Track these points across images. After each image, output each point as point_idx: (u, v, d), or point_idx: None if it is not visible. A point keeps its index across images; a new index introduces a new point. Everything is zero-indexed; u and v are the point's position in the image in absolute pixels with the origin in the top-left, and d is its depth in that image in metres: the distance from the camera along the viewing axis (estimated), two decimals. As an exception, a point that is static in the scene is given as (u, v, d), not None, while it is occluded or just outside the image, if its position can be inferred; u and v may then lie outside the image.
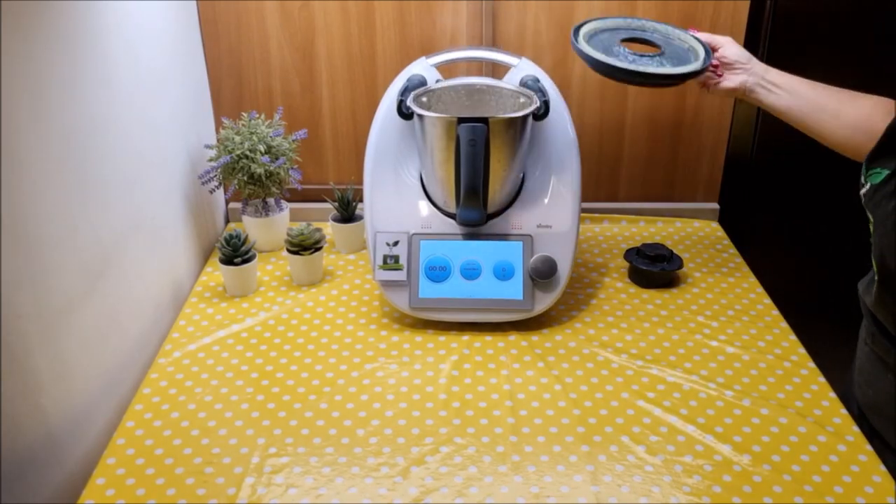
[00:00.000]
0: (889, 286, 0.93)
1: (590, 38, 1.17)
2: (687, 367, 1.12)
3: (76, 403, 0.96)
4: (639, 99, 1.48)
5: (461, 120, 1.10)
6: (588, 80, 1.47)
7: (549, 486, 0.92)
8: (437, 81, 1.24)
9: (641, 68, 1.10)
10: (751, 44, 1.44)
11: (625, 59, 1.12)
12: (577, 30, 1.17)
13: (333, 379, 1.10)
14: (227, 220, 1.57)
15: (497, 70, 1.40)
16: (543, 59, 1.43)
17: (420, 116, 1.15)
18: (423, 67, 1.26)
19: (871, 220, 0.95)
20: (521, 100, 1.20)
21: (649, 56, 1.13)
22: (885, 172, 0.92)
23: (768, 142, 1.56)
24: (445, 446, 0.98)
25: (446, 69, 1.30)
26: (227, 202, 1.54)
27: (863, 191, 0.95)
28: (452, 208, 1.19)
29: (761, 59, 1.14)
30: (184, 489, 0.91)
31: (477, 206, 1.14)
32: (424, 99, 1.19)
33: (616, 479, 0.92)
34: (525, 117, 1.15)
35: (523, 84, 1.23)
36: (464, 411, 1.04)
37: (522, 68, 1.26)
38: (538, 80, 1.23)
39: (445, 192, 1.20)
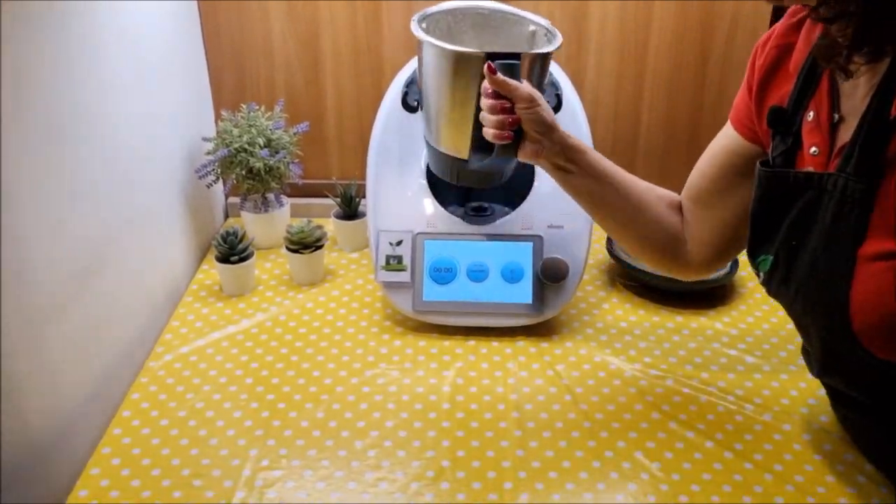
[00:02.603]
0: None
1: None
2: (704, 377, 1.06)
3: (61, 410, 0.91)
4: (656, 94, 1.42)
5: (490, 56, 0.90)
6: (602, 74, 1.41)
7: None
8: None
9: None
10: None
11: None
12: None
13: (332, 386, 1.05)
14: (227, 216, 1.51)
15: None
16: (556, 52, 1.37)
17: (435, 48, 0.96)
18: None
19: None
20: (531, 28, 1.05)
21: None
22: (770, 258, 0.82)
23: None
24: (447, 460, 0.92)
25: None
26: (226, 197, 1.49)
27: (760, 281, 0.86)
28: (465, 154, 1.03)
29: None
30: (170, 503, 0.86)
31: (513, 154, 0.94)
32: (424, 25, 1.02)
33: (628, 497, 0.87)
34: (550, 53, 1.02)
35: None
36: (468, 423, 0.98)
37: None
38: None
39: (458, 139, 1.02)
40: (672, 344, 1.13)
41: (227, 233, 1.23)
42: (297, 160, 1.35)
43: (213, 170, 1.29)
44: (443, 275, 1.15)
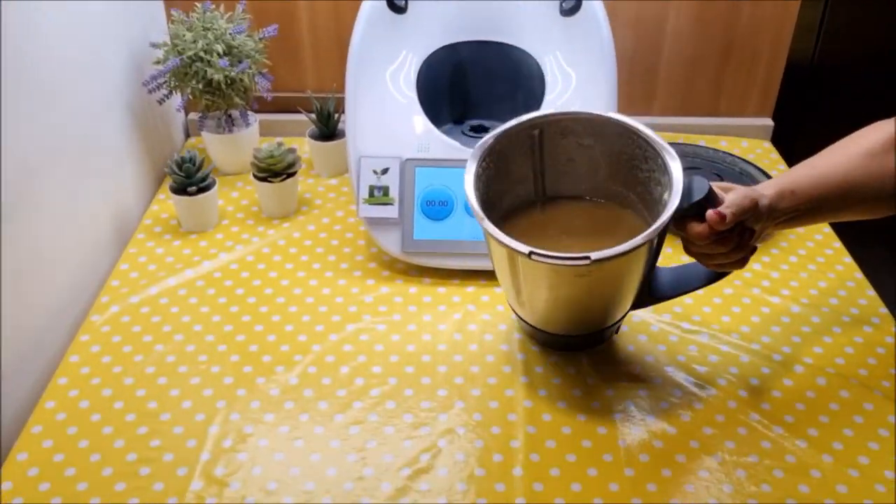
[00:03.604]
0: None
1: None
2: (745, 331, 0.91)
3: (-25, 384, 0.76)
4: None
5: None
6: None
7: (578, 497, 0.72)
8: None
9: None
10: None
11: None
12: None
13: (307, 344, 0.89)
14: (188, 135, 1.32)
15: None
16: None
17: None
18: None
19: None
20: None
21: None
22: None
23: (833, 47, 1.30)
24: (444, 439, 0.77)
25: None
26: (185, 112, 1.29)
27: None
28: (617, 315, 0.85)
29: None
30: (110, 497, 0.71)
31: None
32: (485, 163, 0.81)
33: (665, 486, 0.73)
34: None
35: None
36: (468, 390, 0.83)
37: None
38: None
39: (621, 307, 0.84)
40: (705, 290, 0.96)
41: (183, 158, 1.04)
42: (264, 70, 1.15)
43: (165, 82, 1.10)
44: (437, 209, 0.97)
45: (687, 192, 0.73)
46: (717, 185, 0.75)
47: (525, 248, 0.71)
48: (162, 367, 0.86)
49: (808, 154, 0.79)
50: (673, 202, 0.72)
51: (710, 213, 0.71)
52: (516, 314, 0.88)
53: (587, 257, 0.69)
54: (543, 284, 0.78)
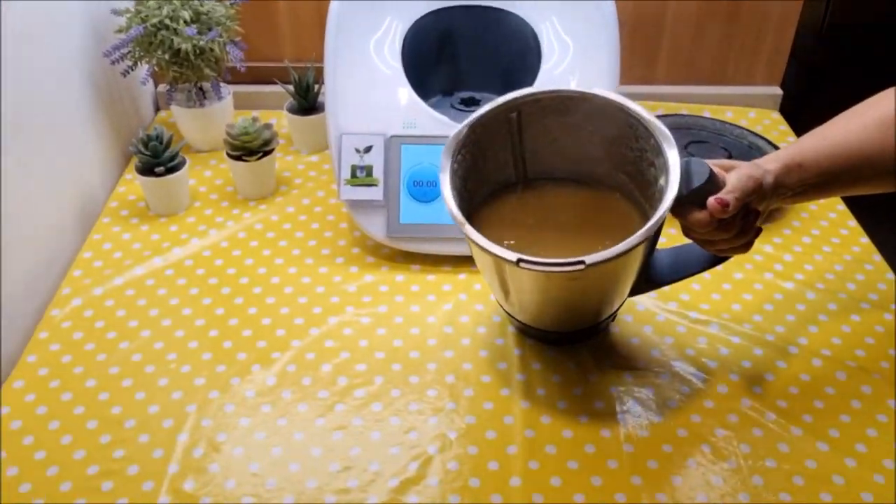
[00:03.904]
0: None
1: None
2: (757, 321, 0.84)
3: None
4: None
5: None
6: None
7: (581, 511, 0.66)
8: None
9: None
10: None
11: None
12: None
13: (286, 339, 0.82)
14: (158, 108, 1.23)
15: None
16: None
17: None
18: None
19: None
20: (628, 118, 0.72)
21: None
22: None
23: (844, 11, 1.22)
24: (435, 445, 0.71)
25: None
26: (154, 84, 1.21)
27: None
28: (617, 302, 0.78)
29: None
30: (69, 519, 0.65)
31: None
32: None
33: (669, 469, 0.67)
34: None
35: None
36: (460, 390, 0.77)
37: None
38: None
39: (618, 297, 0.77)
40: (714, 275, 0.90)
41: (149, 136, 0.96)
42: (237, 38, 1.06)
43: (129, 52, 1.01)
44: (425, 190, 0.90)
45: (685, 177, 0.66)
46: (716, 165, 0.68)
47: (513, 256, 0.64)
48: (127, 367, 0.79)
49: (816, 125, 0.72)
50: (670, 191, 0.65)
51: (711, 201, 0.64)
52: (506, 311, 0.81)
53: (581, 262, 0.62)
54: (534, 288, 0.71)
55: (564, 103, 0.74)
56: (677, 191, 0.65)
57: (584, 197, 0.79)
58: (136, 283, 0.89)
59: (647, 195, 0.73)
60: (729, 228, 0.67)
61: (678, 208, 0.67)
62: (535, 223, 0.77)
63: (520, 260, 0.63)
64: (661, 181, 0.68)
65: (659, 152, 0.69)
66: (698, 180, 0.65)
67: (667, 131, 0.69)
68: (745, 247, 0.69)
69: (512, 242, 0.73)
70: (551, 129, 0.76)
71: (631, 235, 0.64)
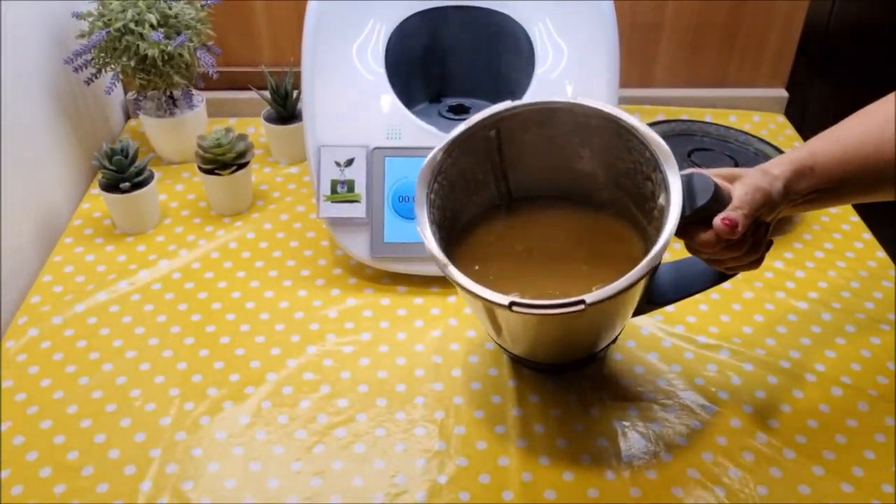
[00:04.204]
0: None
1: None
2: (771, 345, 0.78)
3: None
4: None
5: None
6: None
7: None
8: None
9: None
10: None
11: None
12: None
13: (261, 371, 0.75)
14: (128, 117, 1.16)
15: None
16: None
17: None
18: None
19: None
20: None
21: None
22: None
23: (850, 8, 1.16)
24: (423, 491, 0.65)
25: None
26: (124, 91, 1.14)
27: None
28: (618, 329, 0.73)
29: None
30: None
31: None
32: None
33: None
34: None
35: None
36: (451, 427, 0.70)
37: None
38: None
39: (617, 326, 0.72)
40: (722, 294, 0.84)
41: (113, 150, 0.89)
42: (210, 42, 1.00)
43: (93, 59, 0.94)
44: (411, 206, 0.84)
45: (687, 194, 0.59)
46: (719, 175, 0.61)
47: (504, 300, 0.57)
48: (86, 405, 0.72)
49: (822, 128, 0.66)
50: (673, 213, 0.59)
51: (717, 222, 0.58)
52: (497, 343, 0.75)
53: (581, 302, 0.56)
54: (528, 328, 0.65)
55: (547, 115, 0.68)
56: (680, 211, 0.59)
57: (576, 217, 0.72)
58: (99, 310, 0.82)
59: (644, 210, 0.67)
60: (738, 247, 0.61)
61: (682, 229, 0.60)
62: (524, 250, 0.70)
63: (512, 304, 0.57)
64: (661, 199, 0.62)
65: (656, 166, 0.63)
66: (702, 198, 0.59)
67: (664, 144, 0.62)
68: (756, 263, 0.63)
69: (499, 275, 0.66)
70: (535, 144, 0.69)
71: (630, 256, 0.58)
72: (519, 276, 0.66)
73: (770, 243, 0.63)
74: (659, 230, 0.62)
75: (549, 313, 0.56)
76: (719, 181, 0.61)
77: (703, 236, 0.60)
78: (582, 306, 0.55)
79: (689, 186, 0.60)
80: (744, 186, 0.60)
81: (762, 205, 0.59)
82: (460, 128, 0.66)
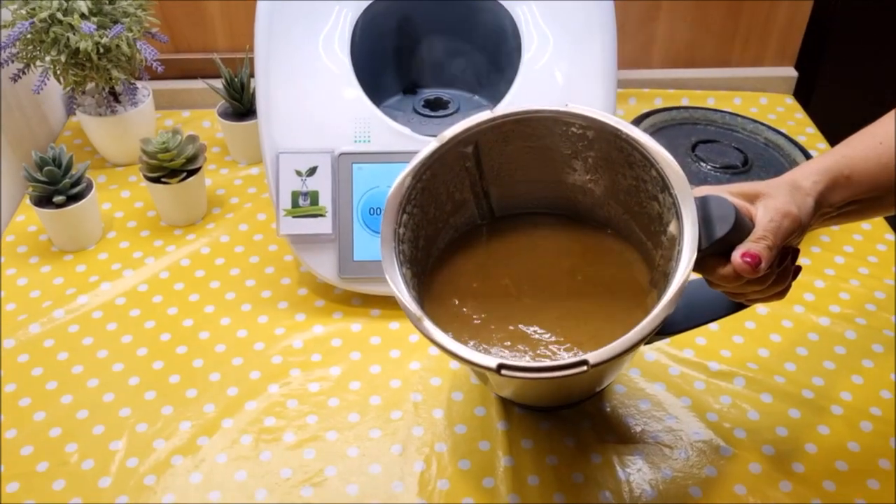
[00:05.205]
0: None
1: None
2: (790, 371, 0.69)
3: None
4: None
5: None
6: None
7: None
8: None
9: None
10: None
11: None
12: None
13: (215, 418, 0.66)
14: (71, 113, 1.05)
15: None
16: None
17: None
18: None
19: None
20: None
21: None
22: None
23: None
24: (403, 566, 0.56)
25: None
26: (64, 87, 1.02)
27: None
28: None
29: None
30: None
31: None
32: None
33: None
34: None
35: None
36: (433, 482, 0.61)
37: None
38: None
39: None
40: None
41: (44, 159, 0.78)
42: (155, 30, 0.88)
43: (18, 54, 0.83)
44: (383, 218, 0.74)
45: (704, 223, 0.50)
46: (737, 194, 0.52)
47: (492, 362, 0.48)
48: (17, 464, 0.62)
49: (841, 109, 0.56)
50: (686, 252, 0.49)
51: (737, 258, 0.49)
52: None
53: (583, 363, 0.46)
54: (518, 384, 0.56)
55: (531, 126, 0.58)
56: (696, 245, 0.50)
57: (568, 238, 0.63)
58: (31, 346, 0.72)
59: (650, 232, 0.58)
60: (762, 280, 0.52)
61: (697, 262, 0.51)
62: (511, 283, 0.60)
63: (501, 367, 0.47)
64: (672, 227, 0.52)
65: (664, 188, 0.53)
66: (721, 229, 0.49)
67: (674, 162, 0.53)
68: (781, 294, 0.54)
69: (483, 317, 0.57)
70: (518, 156, 0.60)
71: (634, 286, 0.49)
72: (507, 316, 0.57)
73: (798, 270, 0.54)
74: (668, 260, 0.53)
75: (545, 377, 0.47)
76: (739, 202, 0.51)
77: (723, 271, 0.51)
78: (584, 367, 0.46)
79: (704, 213, 0.50)
80: (768, 211, 0.51)
81: (790, 232, 0.50)
82: (431, 146, 0.56)
